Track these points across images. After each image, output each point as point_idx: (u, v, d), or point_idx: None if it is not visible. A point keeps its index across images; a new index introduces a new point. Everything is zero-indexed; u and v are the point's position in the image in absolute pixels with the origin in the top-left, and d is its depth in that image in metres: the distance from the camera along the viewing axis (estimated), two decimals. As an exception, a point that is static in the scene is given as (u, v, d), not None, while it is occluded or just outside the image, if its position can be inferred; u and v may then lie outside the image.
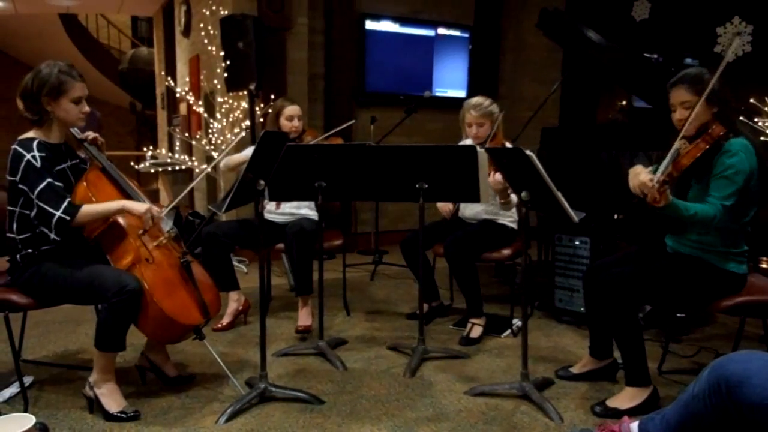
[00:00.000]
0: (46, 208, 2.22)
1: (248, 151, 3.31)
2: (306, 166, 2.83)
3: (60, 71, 2.29)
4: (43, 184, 2.23)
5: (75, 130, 2.44)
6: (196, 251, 3.95)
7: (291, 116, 3.52)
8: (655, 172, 2.27)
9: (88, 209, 2.28)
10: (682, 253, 2.43)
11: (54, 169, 2.30)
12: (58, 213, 2.22)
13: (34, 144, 2.27)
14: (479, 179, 2.72)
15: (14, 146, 2.27)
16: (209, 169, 2.77)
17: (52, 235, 2.25)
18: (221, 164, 3.46)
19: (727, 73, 2.24)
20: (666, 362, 2.82)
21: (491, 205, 3.32)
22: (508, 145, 3.28)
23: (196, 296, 2.47)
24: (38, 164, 2.24)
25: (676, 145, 2.27)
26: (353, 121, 3.79)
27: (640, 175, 2.18)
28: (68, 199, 2.26)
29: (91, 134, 2.52)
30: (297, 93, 5.17)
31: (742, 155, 2.20)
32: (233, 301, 3.42)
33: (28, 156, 2.23)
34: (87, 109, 2.39)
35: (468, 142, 3.41)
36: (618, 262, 2.54)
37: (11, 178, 2.27)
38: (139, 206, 2.35)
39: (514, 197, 3.12)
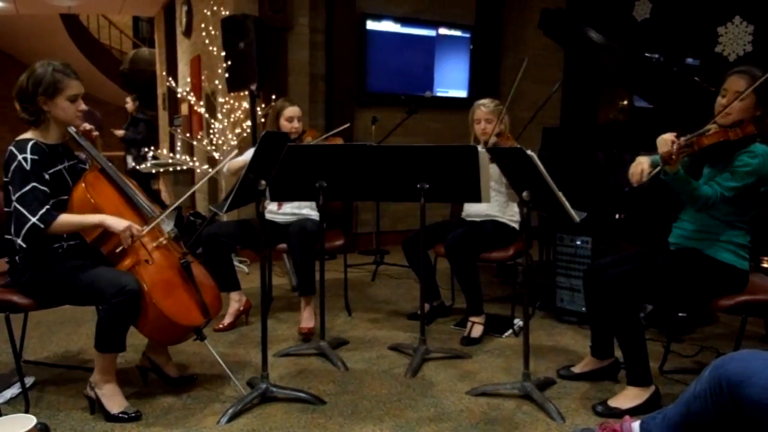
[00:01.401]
0: (23, 212, 2.18)
1: (250, 154, 3.31)
2: (307, 167, 2.83)
3: (55, 69, 2.28)
4: (27, 187, 2.20)
5: (72, 130, 2.43)
6: (197, 252, 3.95)
7: (291, 117, 3.52)
8: (655, 163, 2.35)
9: (65, 219, 2.23)
10: (683, 249, 2.43)
11: (47, 172, 2.27)
12: (33, 219, 2.17)
13: (29, 145, 2.25)
14: (480, 179, 2.73)
15: (10, 147, 2.26)
16: (212, 173, 2.77)
17: (18, 241, 2.20)
18: (224, 169, 3.47)
19: None
20: (667, 362, 2.82)
21: (494, 202, 3.33)
22: (516, 144, 3.30)
23: (197, 297, 2.46)
24: (27, 167, 2.21)
25: (708, 126, 2.33)
26: (347, 125, 3.79)
27: (663, 136, 2.25)
28: (47, 207, 2.21)
29: (86, 125, 2.48)
30: (298, 93, 5.17)
31: (761, 160, 2.25)
32: (234, 302, 3.42)
33: (20, 157, 2.22)
34: (84, 107, 2.36)
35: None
36: (618, 262, 2.54)
37: (6, 179, 2.26)
38: (119, 224, 2.26)
39: None
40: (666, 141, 2.24)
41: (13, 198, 2.21)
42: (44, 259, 2.32)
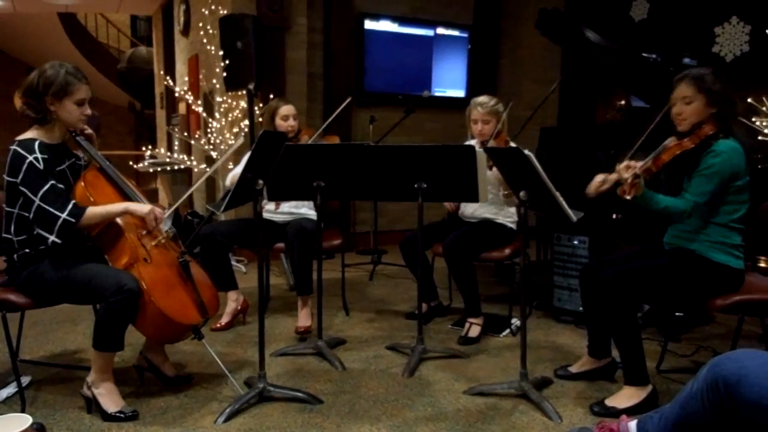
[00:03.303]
0: (51, 210, 2.21)
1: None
2: (305, 166, 2.83)
3: (67, 72, 2.30)
4: (47, 186, 2.23)
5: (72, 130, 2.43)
6: (194, 251, 3.95)
7: (286, 116, 3.52)
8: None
9: (92, 211, 2.27)
10: (679, 249, 2.44)
11: (55, 171, 2.30)
12: (64, 215, 2.21)
13: (36, 145, 2.26)
14: (478, 179, 2.73)
15: (14, 147, 2.26)
16: (210, 172, 2.77)
17: (52, 238, 2.24)
18: (227, 183, 3.48)
19: (728, 75, 2.30)
20: (665, 361, 2.83)
21: (491, 204, 3.33)
22: (512, 144, 3.29)
23: (195, 296, 2.46)
24: (41, 166, 2.23)
25: (667, 141, 2.33)
26: (350, 99, 3.76)
27: (622, 164, 2.29)
28: (73, 202, 2.26)
29: (88, 129, 2.48)
30: (296, 93, 5.17)
31: (726, 156, 2.26)
32: (232, 301, 3.42)
33: (30, 158, 2.23)
34: (89, 111, 2.39)
35: (473, 142, 3.42)
36: (615, 262, 2.55)
37: (10, 179, 2.26)
38: (143, 208, 2.36)
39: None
40: (619, 171, 2.25)
41: (36, 198, 2.22)
42: (42, 257, 2.32)
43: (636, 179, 2.22)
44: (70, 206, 2.23)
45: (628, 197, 2.23)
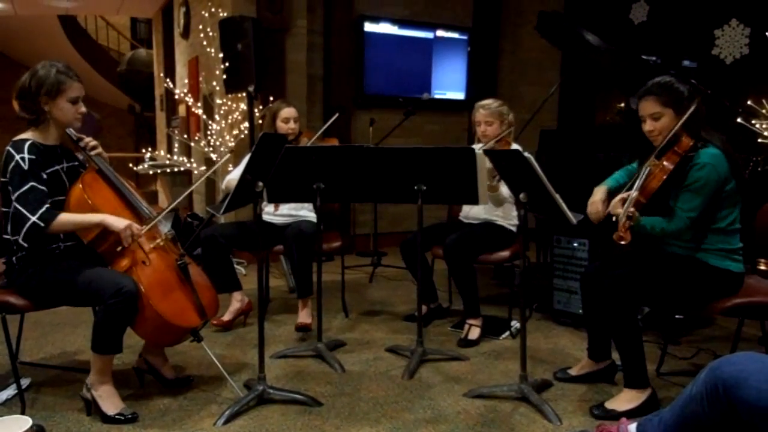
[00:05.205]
0: (23, 211, 2.18)
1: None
2: (305, 168, 2.83)
3: (58, 71, 2.29)
4: (26, 186, 2.20)
5: (70, 131, 2.42)
6: (194, 253, 3.95)
7: (287, 118, 3.52)
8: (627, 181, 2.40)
9: (65, 218, 2.24)
10: (679, 255, 2.44)
11: (44, 172, 2.28)
12: (33, 218, 2.17)
13: (26, 146, 2.26)
14: (478, 181, 2.73)
15: (7, 147, 2.27)
16: (209, 173, 2.77)
17: (19, 241, 2.21)
18: (223, 185, 3.47)
19: (728, 77, 2.28)
20: (664, 364, 2.82)
21: (492, 206, 3.33)
22: (515, 146, 3.30)
23: (194, 298, 2.46)
24: (25, 166, 2.22)
25: (648, 162, 2.30)
26: (336, 115, 3.75)
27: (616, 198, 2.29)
28: (47, 206, 2.22)
29: (91, 141, 2.48)
30: (296, 95, 5.17)
31: (710, 167, 2.24)
32: (237, 301, 3.41)
33: (17, 157, 2.23)
34: (83, 109, 2.39)
35: (478, 146, 3.43)
36: (615, 264, 2.54)
37: (3, 179, 2.27)
38: (119, 222, 2.28)
39: (504, 190, 3.14)
40: (615, 206, 2.26)
41: (13, 198, 2.21)
42: (41, 260, 2.32)
43: (629, 221, 2.18)
44: (42, 210, 2.19)
45: (625, 243, 2.15)
